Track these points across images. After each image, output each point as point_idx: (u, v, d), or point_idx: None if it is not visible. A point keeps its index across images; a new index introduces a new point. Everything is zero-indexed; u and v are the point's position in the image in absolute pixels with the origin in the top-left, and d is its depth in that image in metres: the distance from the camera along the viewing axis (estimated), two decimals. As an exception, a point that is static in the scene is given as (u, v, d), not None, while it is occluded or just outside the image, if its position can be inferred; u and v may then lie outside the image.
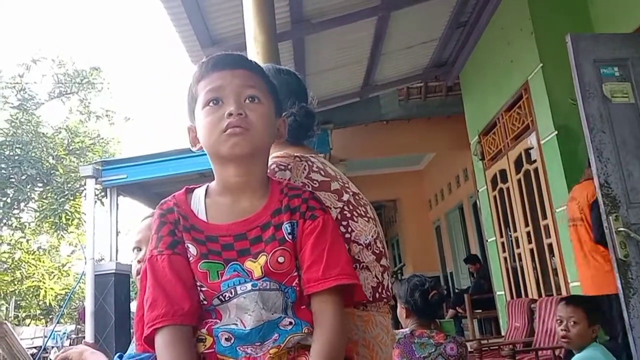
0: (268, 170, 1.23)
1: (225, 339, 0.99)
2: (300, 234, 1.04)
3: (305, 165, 1.31)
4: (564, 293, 4.30)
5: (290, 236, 1.03)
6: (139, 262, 1.45)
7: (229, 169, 1.06)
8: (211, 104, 1.05)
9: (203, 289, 1.01)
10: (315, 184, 1.28)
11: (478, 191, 6.34)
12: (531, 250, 4.99)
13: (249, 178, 1.07)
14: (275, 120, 1.13)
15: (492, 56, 5.51)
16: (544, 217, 4.64)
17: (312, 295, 1.01)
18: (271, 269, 1.00)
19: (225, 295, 1.00)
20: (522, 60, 4.75)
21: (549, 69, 4.37)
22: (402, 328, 2.50)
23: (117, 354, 1.17)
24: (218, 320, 1.01)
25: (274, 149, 1.37)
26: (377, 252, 1.31)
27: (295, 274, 1.03)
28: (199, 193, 1.10)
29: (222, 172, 1.08)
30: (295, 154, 1.33)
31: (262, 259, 1.01)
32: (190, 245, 1.02)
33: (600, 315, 2.64)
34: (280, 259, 1.01)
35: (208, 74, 1.07)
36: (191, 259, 1.02)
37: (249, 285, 1.00)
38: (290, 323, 1.00)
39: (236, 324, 0.99)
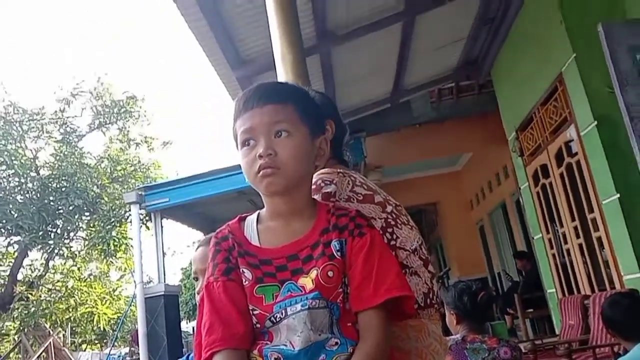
0: (314, 186, 1.28)
1: (275, 359, 1.01)
2: (350, 251, 1.06)
3: (349, 180, 1.36)
4: (617, 287, 4.16)
5: (339, 253, 1.06)
6: (198, 293, 1.49)
7: (273, 199, 1.12)
8: (246, 145, 1.10)
9: (255, 312, 1.04)
10: (359, 196, 1.33)
11: (520, 188, 6.20)
12: (580, 245, 4.85)
13: (295, 203, 1.11)
14: (313, 142, 1.13)
15: (523, 50, 5.41)
16: (590, 210, 4.50)
17: (359, 312, 1.04)
18: (322, 282, 1.03)
19: (277, 317, 1.03)
20: (554, 51, 4.65)
21: (583, 58, 4.25)
22: (452, 335, 2.46)
23: None
24: (269, 342, 1.04)
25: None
26: (424, 258, 1.34)
27: (341, 290, 1.05)
28: (251, 220, 1.15)
29: (269, 202, 1.13)
30: (338, 170, 1.38)
31: (313, 273, 1.04)
32: (245, 270, 1.07)
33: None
34: (330, 273, 1.04)
35: (240, 114, 1.11)
36: (246, 283, 1.06)
37: (298, 306, 1.02)
38: (336, 343, 1.02)
39: (286, 345, 1.02)
